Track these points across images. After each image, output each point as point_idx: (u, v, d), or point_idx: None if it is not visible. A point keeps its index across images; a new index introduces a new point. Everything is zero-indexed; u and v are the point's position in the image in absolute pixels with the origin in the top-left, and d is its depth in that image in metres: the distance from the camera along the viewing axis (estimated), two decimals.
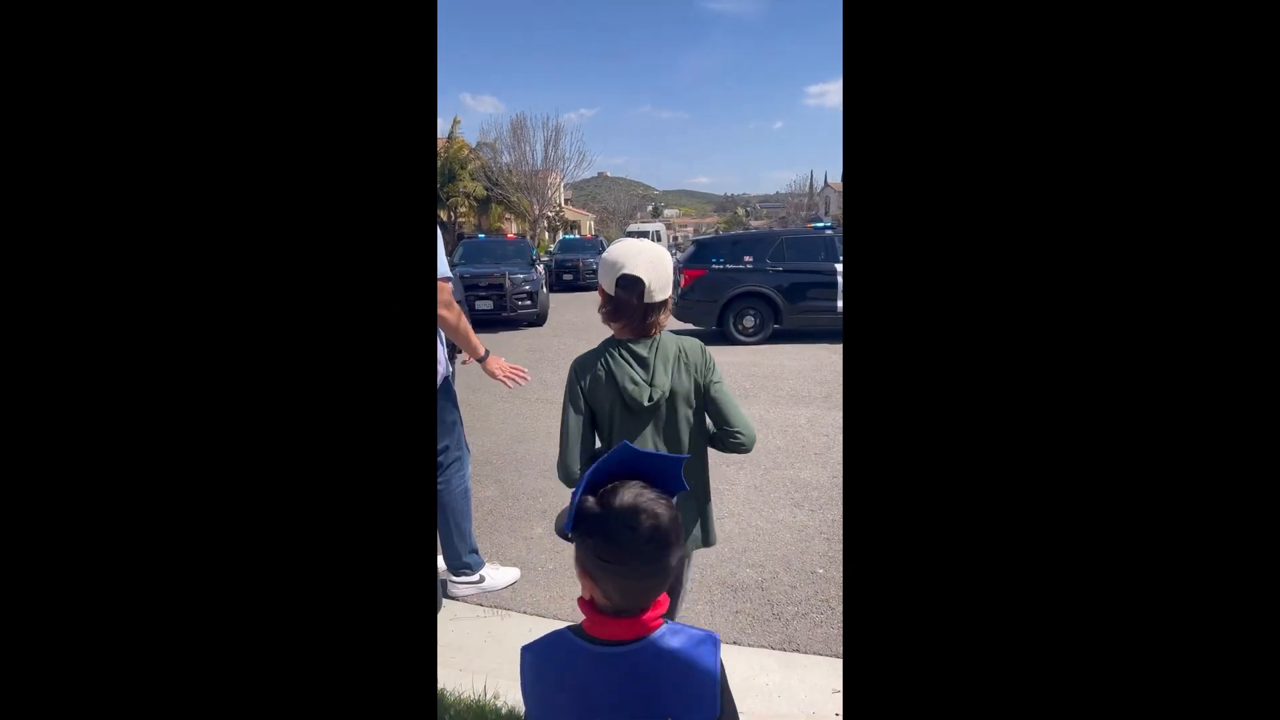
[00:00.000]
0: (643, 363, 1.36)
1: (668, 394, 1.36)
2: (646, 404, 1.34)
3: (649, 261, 1.35)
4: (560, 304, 12.60)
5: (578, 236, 21.30)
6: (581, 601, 0.80)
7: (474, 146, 26.75)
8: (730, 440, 1.40)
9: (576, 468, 1.35)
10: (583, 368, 1.41)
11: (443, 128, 28.39)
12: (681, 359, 1.39)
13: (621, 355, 1.37)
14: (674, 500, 0.80)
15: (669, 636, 0.78)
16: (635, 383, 1.34)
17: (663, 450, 1.37)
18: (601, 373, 1.37)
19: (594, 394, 1.38)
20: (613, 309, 1.39)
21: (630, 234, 29.39)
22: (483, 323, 8.73)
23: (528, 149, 24.75)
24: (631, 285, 1.34)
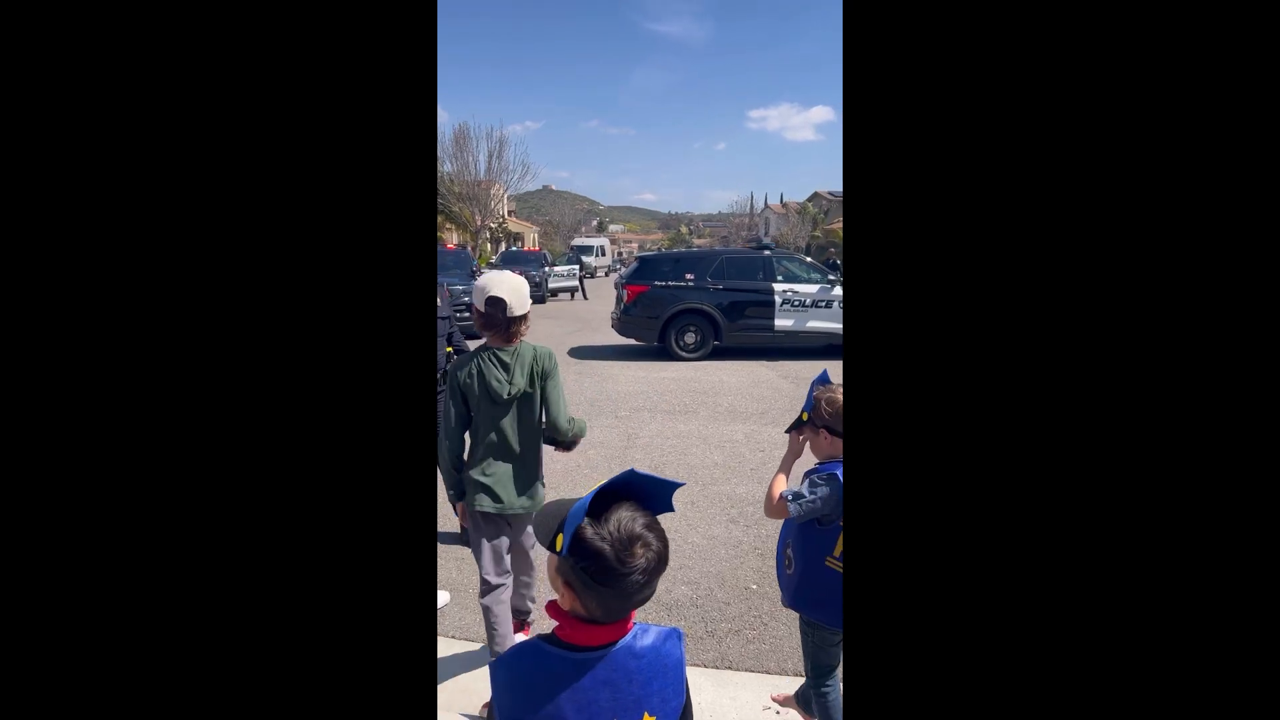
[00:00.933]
0: (505, 366, 1.79)
1: (523, 390, 1.80)
2: (506, 398, 1.79)
3: (510, 288, 1.79)
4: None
5: (520, 249, 21.05)
6: (555, 610, 0.81)
7: None
8: (547, 433, 1.88)
9: (457, 448, 1.83)
10: (460, 367, 1.83)
11: None
12: (534, 363, 1.81)
13: (489, 359, 1.80)
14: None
15: (641, 636, 0.82)
16: (499, 381, 1.79)
17: (517, 433, 1.82)
18: (475, 372, 1.79)
19: (468, 389, 1.80)
20: (484, 322, 1.80)
21: (575, 248, 29.33)
22: None
23: (470, 159, 24.38)
24: (497, 304, 1.76)
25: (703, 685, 1.99)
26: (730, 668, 2.09)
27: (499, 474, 1.81)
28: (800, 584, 1.46)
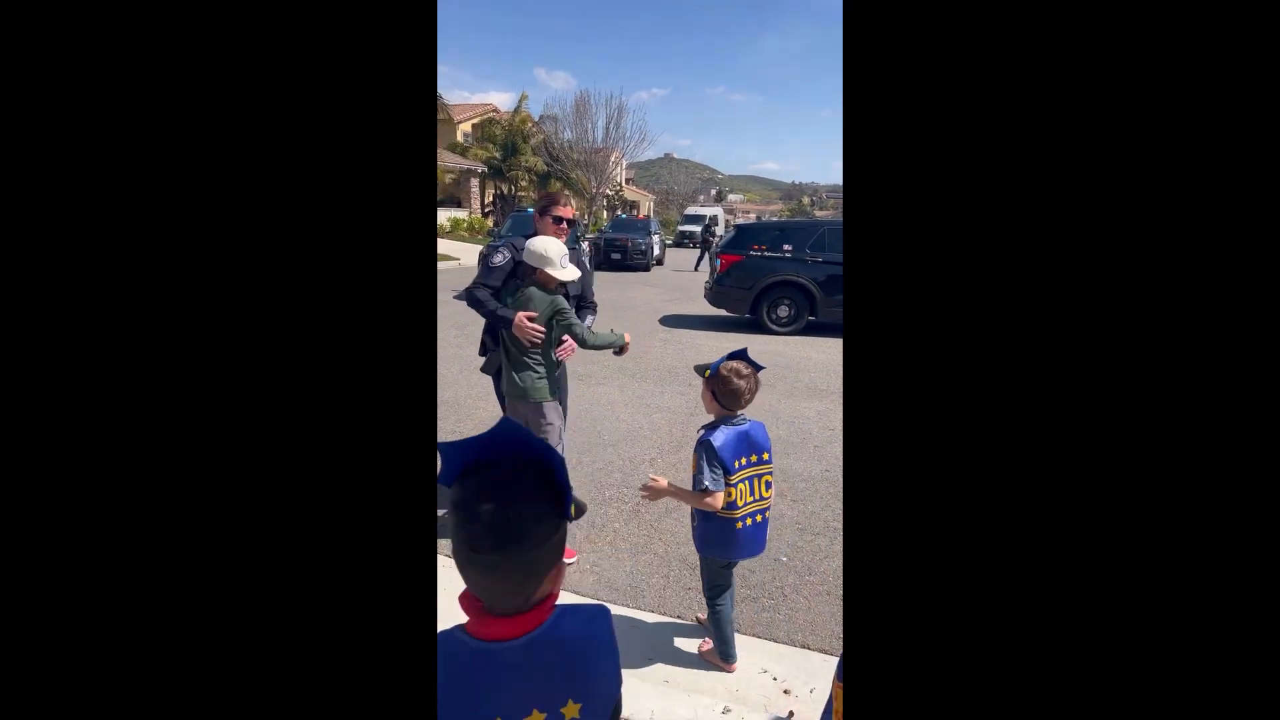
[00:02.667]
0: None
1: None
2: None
3: (533, 251, 2.30)
4: (603, 282, 12.71)
5: (627, 217, 21.25)
6: (463, 598, 0.74)
7: (536, 119, 26.99)
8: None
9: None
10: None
11: (511, 101, 28.74)
12: (550, 307, 2.33)
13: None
14: (564, 505, 0.74)
15: (562, 622, 0.75)
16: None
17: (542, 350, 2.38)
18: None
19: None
20: (524, 272, 2.40)
21: (688, 217, 29.14)
22: None
23: (589, 126, 24.80)
24: (526, 258, 2.35)
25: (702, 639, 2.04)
26: (738, 631, 2.12)
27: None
28: (699, 531, 1.87)
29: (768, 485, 1.84)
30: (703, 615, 2.11)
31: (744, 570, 2.47)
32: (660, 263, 17.83)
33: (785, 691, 1.84)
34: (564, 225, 2.51)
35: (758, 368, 1.89)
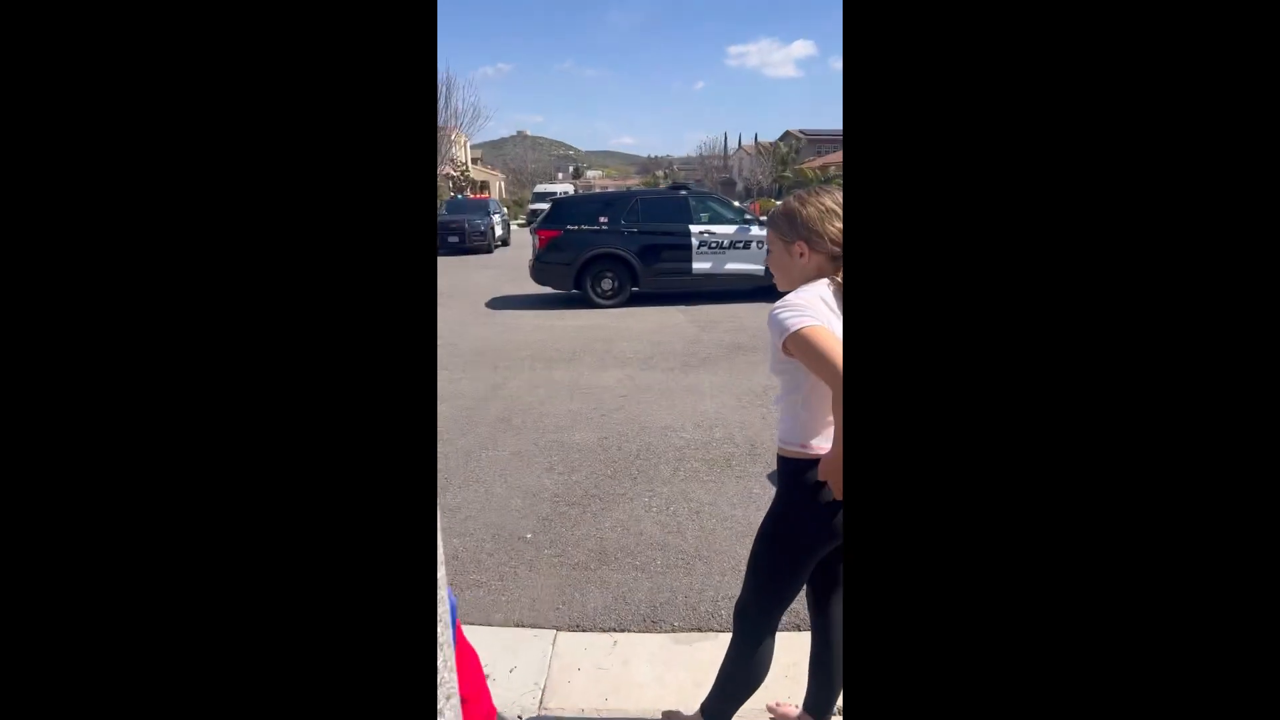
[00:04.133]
0: None
1: None
2: None
3: None
4: (442, 267, 12.08)
5: (462, 198, 20.36)
6: None
7: None
8: None
9: None
10: None
11: None
12: None
13: None
14: None
15: None
16: None
17: None
18: None
19: None
20: None
21: (538, 195, 28.48)
22: None
23: None
24: None
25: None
26: (466, 620, 2.03)
27: None
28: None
29: None
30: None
31: (481, 555, 2.40)
32: (505, 243, 17.32)
33: (486, 677, 1.79)
34: None
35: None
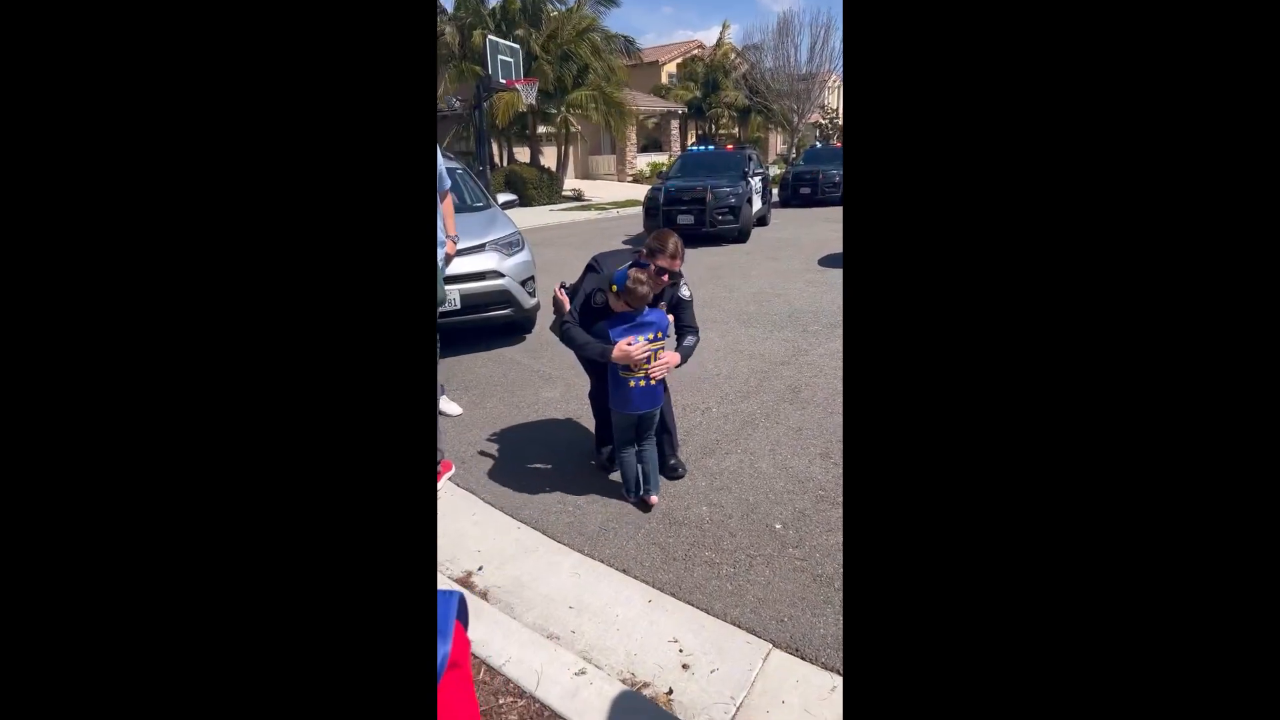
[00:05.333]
0: None
1: None
2: None
3: None
4: (784, 220, 11.99)
5: (823, 146, 19.39)
6: None
7: (740, 50, 25.78)
8: None
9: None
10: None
11: (714, 36, 27.79)
12: None
13: None
14: None
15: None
16: None
17: None
18: None
19: None
20: None
21: None
22: (684, 237, 8.89)
23: (791, 51, 22.90)
24: None
25: (631, 599, 1.95)
26: (674, 595, 1.98)
27: None
28: (612, 391, 2.41)
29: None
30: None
31: (723, 533, 2.28)
32: None
33: (684, 666, 1.69)
34: (665, 277, 2.35)
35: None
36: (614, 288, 2.27)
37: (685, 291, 2.51)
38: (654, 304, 2.41)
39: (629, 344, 2.26)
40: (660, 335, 2.35)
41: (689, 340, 2.50)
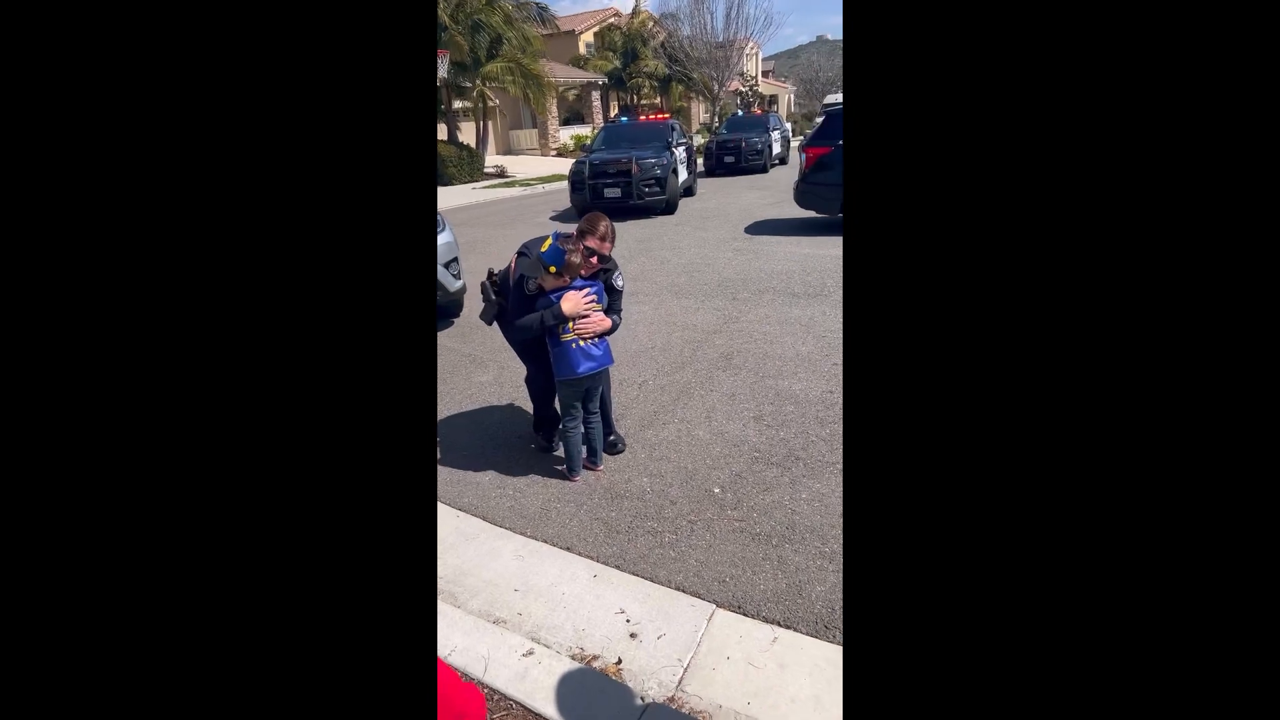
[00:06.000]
0: None
1: None
2: None
3: None
4: (711, 187, 12.08)
5: (744, 114, 19.62)
6: None
7: (657, 18, 25.48)
8: None
9: None
10: None
11: (630, 3, 27.34)
12: None
13: None
14: None
15: None
16: None
17: None
18: None
19: None
20: None
21: (826, 108, 26.27)
22: (611, 210, 8.80)
23: (707, 18, 22.83)
24: None
25: (578, 575, 1.96)
26: (618, 567, 2.00)
27: None
28: (556, 362, 2.37)
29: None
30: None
31: (664, 502, 2.32)
32: (784, 162, 16.47)
33: (632, 635, 1.72)
34: (594, 259, 2.32)
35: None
36: (551, 268, 2.24)
37: (619, 281, 2.49)
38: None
39: (573, 296, 2.28)
40: (596, 299, 2.35)
41: (613, 318, 2.51)
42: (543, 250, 2.24)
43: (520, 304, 2.33)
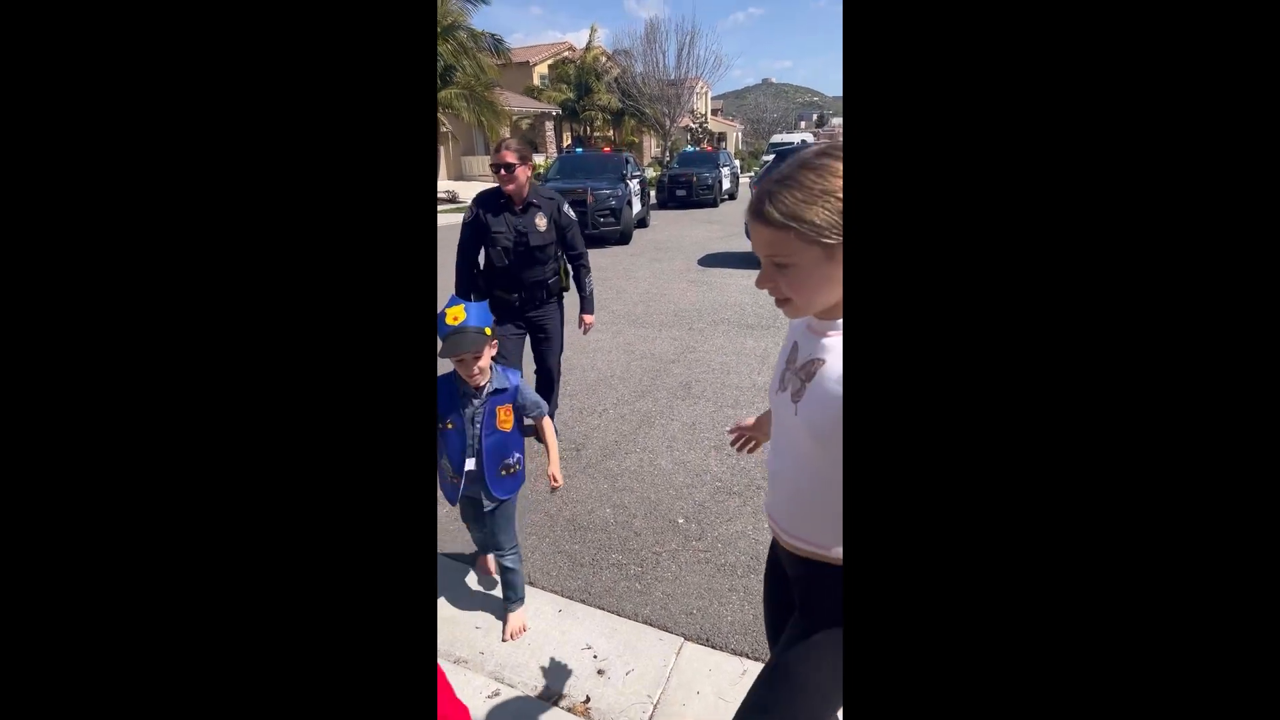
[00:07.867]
0: None
1: None
2: None
3: None
4: (664, 221, 12.29)
5: (695, 150, 20.22)
6: None
7: (610, 54, 26.11)
8: None
9: None
10: None
11: (584, 39, 27.95)
12: None
13: None
14: None
15: None
16: None
17: None
18: None
19: None
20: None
21: (774, 146, 27.35)
22: None
23: (659, 56, 23.54)
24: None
25: (544, 612, 1.91)
26: (584, 601, 1.96)
27: None
28: (487, 482, 1.76)
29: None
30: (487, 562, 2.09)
31: (628, 533, 2.29)
32: (733, 197, 16.99)
33: (599, 672, 1.68)
34: (501, 172, 2.57)
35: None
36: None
37: (568, 210, 2.81)
38: (545, 238, 2.65)
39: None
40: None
41: (587, 283, 2.79)
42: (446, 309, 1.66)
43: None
